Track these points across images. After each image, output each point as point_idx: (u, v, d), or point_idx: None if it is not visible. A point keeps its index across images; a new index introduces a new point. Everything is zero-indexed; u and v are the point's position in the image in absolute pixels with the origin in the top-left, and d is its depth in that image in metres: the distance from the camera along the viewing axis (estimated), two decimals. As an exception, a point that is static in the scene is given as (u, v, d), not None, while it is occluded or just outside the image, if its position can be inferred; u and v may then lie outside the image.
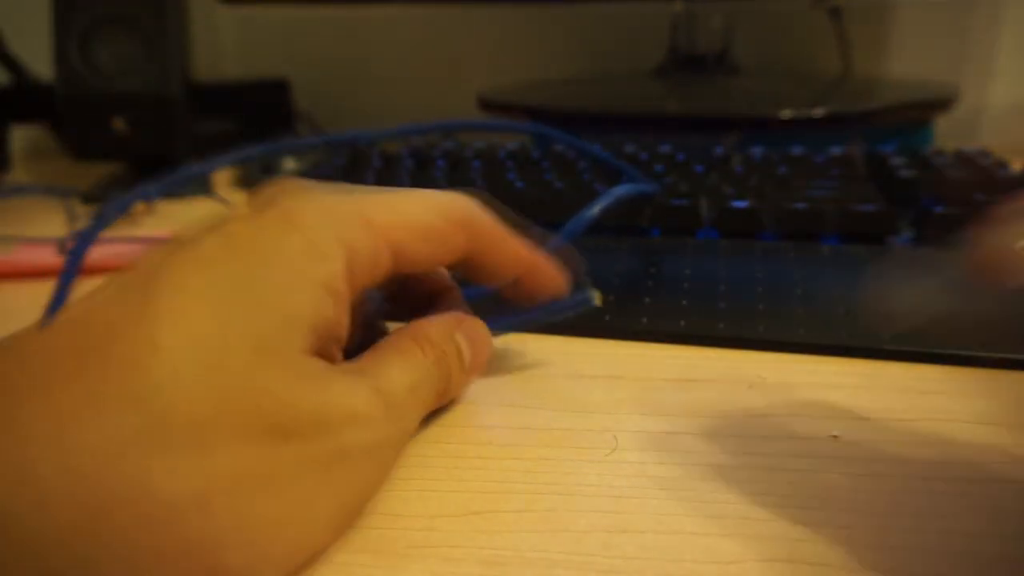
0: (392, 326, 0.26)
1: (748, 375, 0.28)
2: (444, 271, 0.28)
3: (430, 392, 0.23)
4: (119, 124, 0.54)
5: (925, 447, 0.23)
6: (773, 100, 0.57)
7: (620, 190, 0.30)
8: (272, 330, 0.19)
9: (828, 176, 0.42)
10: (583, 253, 0.30)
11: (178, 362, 0.18)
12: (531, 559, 0.19)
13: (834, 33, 0.67)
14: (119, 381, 0.17)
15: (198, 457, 0.17)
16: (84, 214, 0.50)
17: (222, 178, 0.58)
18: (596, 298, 0.27)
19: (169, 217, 0.50)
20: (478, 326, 0.26)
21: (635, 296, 0.32)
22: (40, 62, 0.61)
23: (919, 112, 0.57)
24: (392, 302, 0.28)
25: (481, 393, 0.27)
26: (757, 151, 0.45)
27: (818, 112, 0.52)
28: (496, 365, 0.29)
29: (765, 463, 0.23)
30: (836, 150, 0.45)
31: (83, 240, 0.26)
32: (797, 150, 0.45)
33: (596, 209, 0.33)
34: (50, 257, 0.40)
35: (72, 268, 0.25)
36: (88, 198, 0.53)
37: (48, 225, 0.47)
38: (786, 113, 0.52)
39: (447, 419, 0.26)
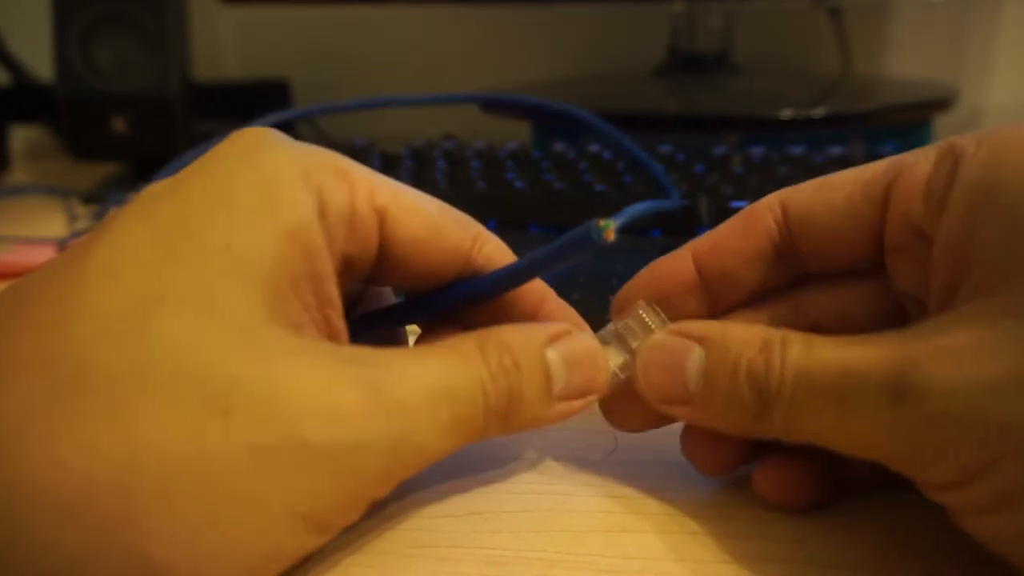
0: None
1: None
2: (571, 313, 0.23)
3: (472, 406, 0.19)
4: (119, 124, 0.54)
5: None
6: (773, 100, 0.57)
7: (638, 208, 0.23)
8: (216, 284, 0.16)
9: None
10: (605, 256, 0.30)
11: (100, 320, 0.16)
12: (531, 559, 0.19)
13: (834, 33, 0.67)
14: (34, 343, 0.15)
15: (116, 426, 0.15)
16: (84, 214, 0.50)
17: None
18: (604, 228, 0.18)
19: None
20: (588, 346, 0.21)
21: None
22: (40, 62, 0.61)
23: (918, 112, 0.57)
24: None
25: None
26: (757, 151, 0.45)
27: (818, 112, 0.52)
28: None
29: (765, 463, 0.23)
30: (836, 150, 0.45)
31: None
32: (797, 150, 0.45)
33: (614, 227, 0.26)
34: (50, 257, 0.40)
35: None
36: (88, 198, 0.53)
37: (48, 225, 0.47)
38: (786, 113, 0.52)
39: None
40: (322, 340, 0.19)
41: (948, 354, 0.16)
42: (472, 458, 0.23)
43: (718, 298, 0.22)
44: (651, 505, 0.21)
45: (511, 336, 0.20)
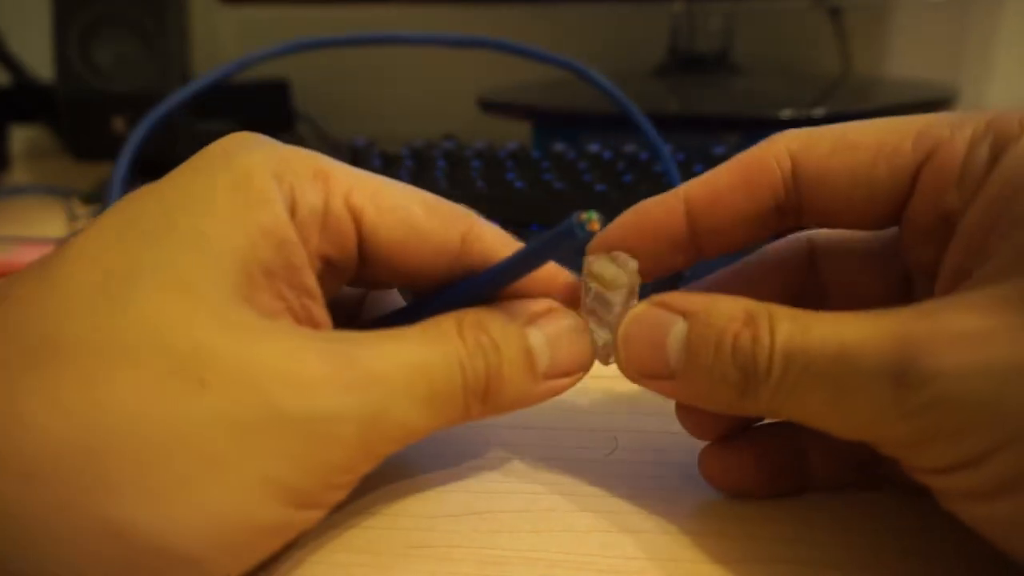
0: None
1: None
2: (565, 272, 0.22)
3: (449, 382, 0.19)
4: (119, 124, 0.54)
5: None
6: (773, 100, 0.57)
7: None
8: (191, 267, 0.17)
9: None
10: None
11: (72, 293, 0.16)
12: (531, 559, 0.19)
13: (834, 33, 0.67)
14: (4, 316, 0.16)
15: (86, 389, 0.15)
16: (84, 214, 0.50)
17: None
18: (587, 222, 0.18)
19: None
20: (572, 323, 0.21)
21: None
22: (40, 62, 0.61)
23: (918, 112, 0.57)
24: None
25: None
26: (757, 151, 0.45)
27: (818, 112, 0.52)
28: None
29: (765, 463, 0.23)
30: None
31: None
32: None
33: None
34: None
35: None
36: (88, 198, 0.53)
37: (48, 225, 0.47)
38: (786, 113, 0.52)
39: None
40: (296, 325, 0.19)
41: (955, 337, 0.16)
42: (472, 458, 0.23)
43: (705, 252, 0.21)
44: (651, 505, 0.21)
45: (489, 316, 0.20)
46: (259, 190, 0.18)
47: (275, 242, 0.18)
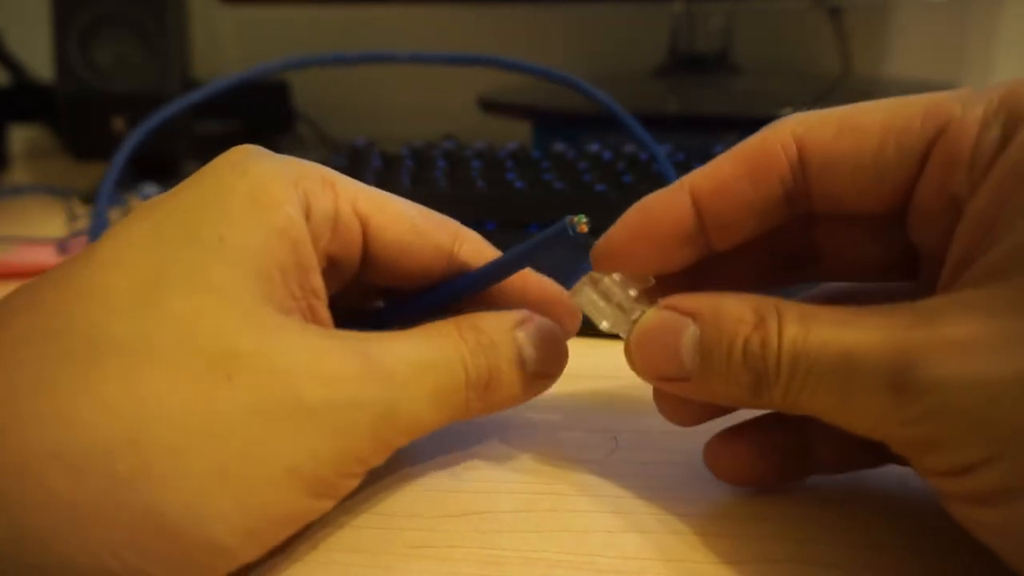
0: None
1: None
2: (549, 283, 0.24)
3: (454, 378, 0.20)
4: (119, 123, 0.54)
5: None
6: (773, 100, 0.57)
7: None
8: (212, 269, 0.18)
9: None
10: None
11: (108, 298, 0.17)
12: (531, 559, 0.19)
13: (834, 33, 0.67)
14: (44, 322, 0.17)
15: (127, 387, 0.16)
16: (84, 214, 0.50)
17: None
18: (577, 223, 0.20)
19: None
20: (551, 330, 0.23)
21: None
22: (40, 62, 0.61)
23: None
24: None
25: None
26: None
27: (818, 112, 0.52)
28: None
29: (765, 463, 0.23)
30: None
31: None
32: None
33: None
34: (50, 257, 0.40)
35: None
36: (88, 198, 0.53)
37: (48, 225, 0.47)
38: (786, 113, 0.52)
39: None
40: (309, 323, 0.20)
41: (951, 347, 0.16)
42: (472, 458, 0.23)
43: (714, 244, 0.21)
44: (651, 505, 0.21)
45: (483, 320, 0.22)
46: (275, 195, 0.19)
47: (290, 243, 0.19)
